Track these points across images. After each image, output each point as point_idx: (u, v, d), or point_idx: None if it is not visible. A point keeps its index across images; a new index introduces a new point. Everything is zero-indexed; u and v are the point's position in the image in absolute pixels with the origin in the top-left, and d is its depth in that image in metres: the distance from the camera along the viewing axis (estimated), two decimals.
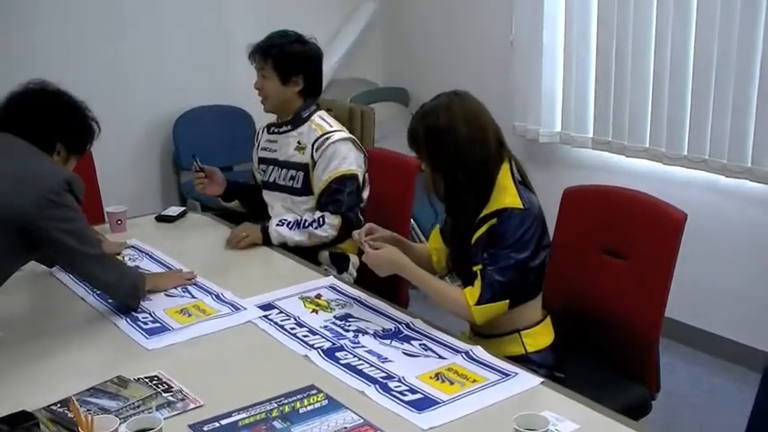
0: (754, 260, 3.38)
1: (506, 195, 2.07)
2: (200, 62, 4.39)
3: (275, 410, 1.72)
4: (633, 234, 2.29)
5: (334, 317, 2.21)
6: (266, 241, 2.76)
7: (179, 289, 2.41)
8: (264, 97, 2.85)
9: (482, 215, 2.09)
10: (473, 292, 2.06)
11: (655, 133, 3.54)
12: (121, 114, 4.03)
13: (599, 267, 2.35)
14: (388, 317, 2.19)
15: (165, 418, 1.63)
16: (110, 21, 4.09)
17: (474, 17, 4.38)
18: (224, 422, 1.67)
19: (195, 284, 2.45)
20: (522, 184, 2.15)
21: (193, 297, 2.36)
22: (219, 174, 2.97)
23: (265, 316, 2.22)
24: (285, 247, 2.77)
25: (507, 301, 2.05)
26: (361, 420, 1.68)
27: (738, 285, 3.44)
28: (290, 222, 2.76)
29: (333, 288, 2.41)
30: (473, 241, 2.11)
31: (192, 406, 1.74)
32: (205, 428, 1.65)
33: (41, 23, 3.88)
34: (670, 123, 3.47)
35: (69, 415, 1.66)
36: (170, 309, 2.27)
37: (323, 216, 2.75)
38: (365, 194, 2.86)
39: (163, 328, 2.15)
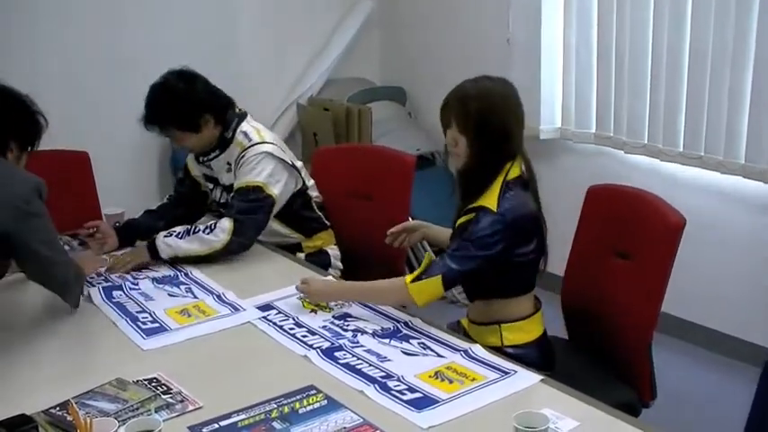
0: (751, 256, 3.38)
1: (491, 194, 2.09)
2: (199, 62, 4.37)
3: (275, 411, 1.72)
4: (636, 235, 2.28)
5: (333, 317, 2.21)
6: (155, 256, 2.62)
7: (182, 288, 2.42)
8: (190, 150, 2.82)
9: (469, 207, 2.12)
10: (413, 274, 2.09)
11: (652, 130, 3.55)
12: (119, 116, 4.01)
13: (606, 267, 2.34)
14: (387, 316, 2.19)
15: (164, 420, 1.62)
16: (109, 21, 4.08)
17: (471, 16, 4.37)
18: (223, 423, 1.67)
19: (197, 283, 2.46)
20: (524, 186, 2.14)
21: (195, 297, 2.36)
22: (106, 226, 2.80)
23: (264, 317, 2.22)
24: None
25: (440, 277, 2.05)
26: (361, 420, 1.68)
27: (735, 281, 3.44)
28: (179, 232, 2.64)
29: None
30: (455, 226, 2.16)
31: (191, 408, 1.74)
32: (204, 430, 1.65)
33: (41, 23, 3.87)
34: (666, 120, 3.48)
35: (68, 418, 1.66)
36: (170, 309, 2.27)
37: (216, 222, 2.66)
38: (312, 195, 2.85)
39: (161, 329, 2.15)
